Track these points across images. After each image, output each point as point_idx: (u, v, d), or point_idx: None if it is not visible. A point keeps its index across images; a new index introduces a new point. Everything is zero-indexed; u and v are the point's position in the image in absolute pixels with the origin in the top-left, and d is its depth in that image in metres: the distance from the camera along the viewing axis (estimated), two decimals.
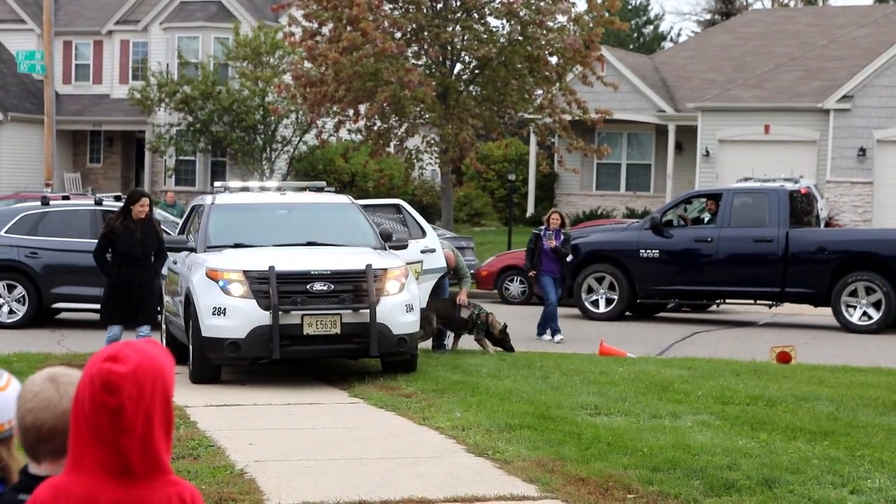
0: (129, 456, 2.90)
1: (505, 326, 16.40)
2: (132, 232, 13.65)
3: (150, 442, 2.91)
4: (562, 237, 18.55)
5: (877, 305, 20.11)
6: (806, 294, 20.71)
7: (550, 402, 11.41)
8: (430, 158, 34.22)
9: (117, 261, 13.73)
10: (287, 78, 35.53)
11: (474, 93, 33.20)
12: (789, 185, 22.06)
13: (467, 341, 16.49)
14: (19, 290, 19.13)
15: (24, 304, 19.18)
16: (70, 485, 2.92)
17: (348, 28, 30.82)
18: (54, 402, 3.05)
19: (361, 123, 32.62)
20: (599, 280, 21.91)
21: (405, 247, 14.96)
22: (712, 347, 17.90)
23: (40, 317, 19.54)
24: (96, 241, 14.37)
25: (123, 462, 2.90)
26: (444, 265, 16.73)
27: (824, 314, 21.31)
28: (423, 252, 16.22)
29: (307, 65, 32.62)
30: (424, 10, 32.08)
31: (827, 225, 24.70)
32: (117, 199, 20.03)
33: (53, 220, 19.45)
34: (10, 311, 19.23)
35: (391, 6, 32.31)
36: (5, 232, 19.36)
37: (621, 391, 12.12)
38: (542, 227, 18.78)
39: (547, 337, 18.49)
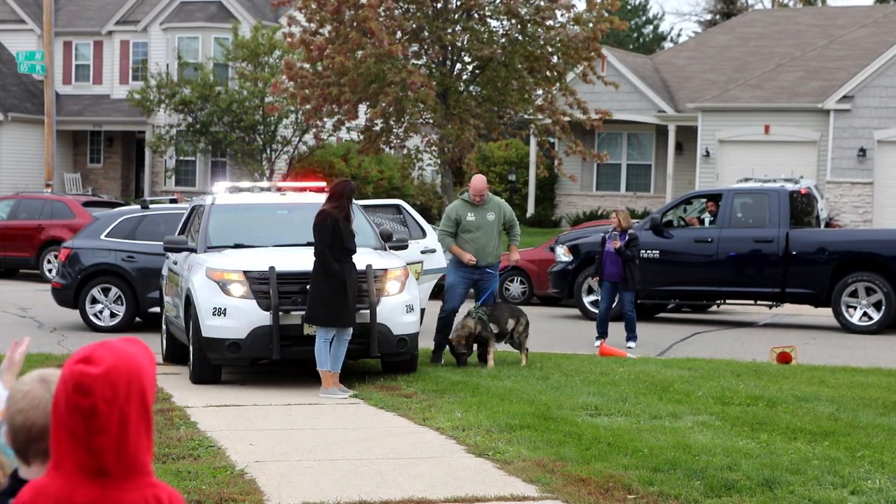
0: (104, 457, 2.89)
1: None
2: (346, 225, 12.66)
3: (125, 443, 2.90)
4: (626, 237, 17.56)
5: (877, 306, 20.10)
6: (806, 294, 20.70)
7: (551, 403, 11.41)
8: (431, 159, 34.21)
9: (338, 257, 12.54)
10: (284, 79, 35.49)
11: (475, 93, 33.19)
12: (789, 186, 22.04)
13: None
14: (117, 294, 18.87)
15: (121, 308, 18.92)
16: (49, 485, 2.93)
17: (351, 28, 30.78)
18: (44, 402, 3.03)
19: (360, 121, 32.58)
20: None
21: (405, 247, 14.96)
22: (712, 348, 17.89)
23: (148, 319, 19.19)
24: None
25: (99, 463, 2.90)
26: (445, 265, 16.73)
27: (824, 314, 21.31)
28: (423, 252, 16.25)
29: (296, 59, 32.55)
30: (426, 10, 32.06)
31: (827, 225, 24.65)
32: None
33: (151, 223, 19.08)
34: (111, 315, 18.94)
35: (393, 5, 32.29)
36: (105, 235, 19.19)
37: (622, 392, 12.12)
38: (610, 229, 17.94)
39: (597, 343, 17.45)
